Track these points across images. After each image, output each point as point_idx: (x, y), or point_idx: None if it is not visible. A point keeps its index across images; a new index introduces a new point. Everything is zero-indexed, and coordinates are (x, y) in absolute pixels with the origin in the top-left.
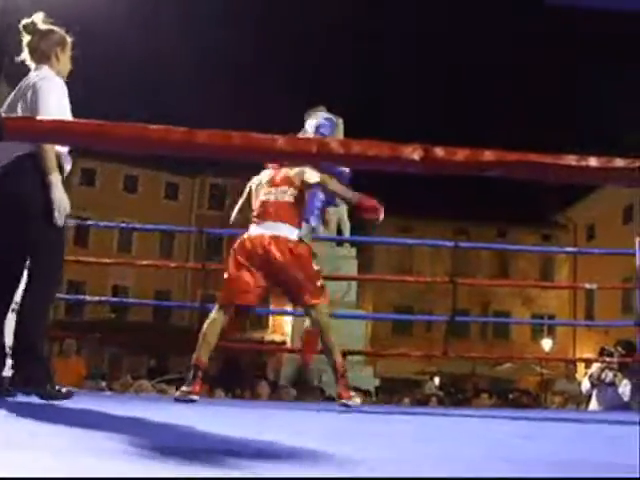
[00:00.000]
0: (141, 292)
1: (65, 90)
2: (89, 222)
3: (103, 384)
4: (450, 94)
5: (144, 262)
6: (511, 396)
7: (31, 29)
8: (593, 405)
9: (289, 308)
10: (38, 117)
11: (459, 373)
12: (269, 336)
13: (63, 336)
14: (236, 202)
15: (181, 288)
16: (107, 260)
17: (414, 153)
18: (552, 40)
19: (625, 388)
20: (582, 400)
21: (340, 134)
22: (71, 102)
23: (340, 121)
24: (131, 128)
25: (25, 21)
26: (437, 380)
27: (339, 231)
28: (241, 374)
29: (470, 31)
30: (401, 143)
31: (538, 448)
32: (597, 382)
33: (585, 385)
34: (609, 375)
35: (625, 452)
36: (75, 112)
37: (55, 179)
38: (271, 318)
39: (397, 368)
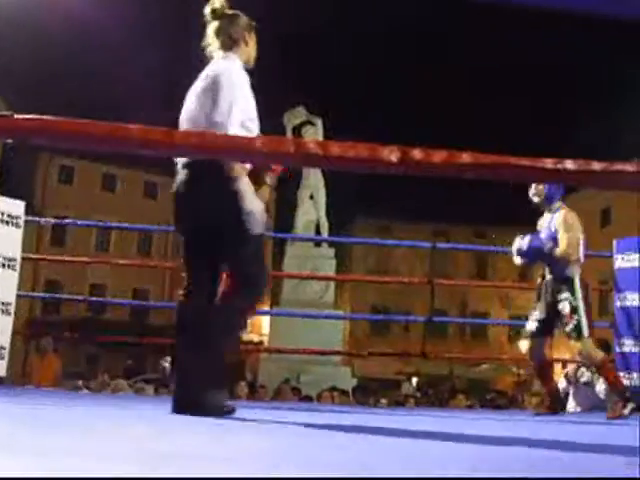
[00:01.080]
0: (119, 291)
1: (248, 80)
2: (67, 220)
3: (80, 383)
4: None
5: (122, 261)
6: (488, 397)
7: (220, 13)
8: (570, 404)
9: (267, 308)
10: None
11: (437, 374)
12: (247, 336)
13: (40, 334)
14: None
15: (159, 287)
16: (85, 259)
17: (392, 154)
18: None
19: (601, 387)
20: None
21: (319, 135)
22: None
23: (319, 121)
24: (110, 127)
25: (212, 5)
26: (415, 381)
27: (317, 231)
28: None
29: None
30: (379, 144)
31: (514, 448)
32: (573, 380)
33: (561, 384)
34: (585, 374)
35: (605, 452)
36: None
37: (244, 185)
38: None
39: (375, 368)
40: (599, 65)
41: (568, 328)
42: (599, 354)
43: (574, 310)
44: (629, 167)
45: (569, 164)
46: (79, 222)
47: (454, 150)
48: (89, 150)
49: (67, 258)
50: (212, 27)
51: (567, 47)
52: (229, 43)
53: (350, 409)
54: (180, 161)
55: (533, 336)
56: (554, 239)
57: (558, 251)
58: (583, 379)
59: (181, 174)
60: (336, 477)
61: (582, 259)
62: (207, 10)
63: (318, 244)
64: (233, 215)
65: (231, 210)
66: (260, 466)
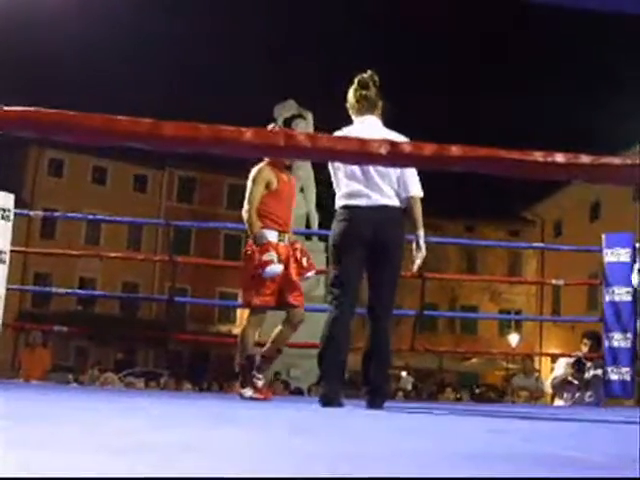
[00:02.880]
0: (108, 284)
1: None
2: (57, 213)
3: (70, 377)
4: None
5: (112, 254)
6: (477, 391)
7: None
8: (557, 402)
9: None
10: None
11: (426, 367)
12: (236, 329)
13: (29, 328)
14: (205, 195)
15: (149, 281)
16: (74, 252)
17: (381, 148)
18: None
19: (588, 399)
20: (540, 395)
21: (310, 127)
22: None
23: (310, 115)
24: (98, 119)
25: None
26: (404, 374)
27: (307, 225)
28: (209, 367)
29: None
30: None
31: (506, 443)
32: (559, 386)
33: (546, 387)
34: (573, 381)
35: (594, 448)
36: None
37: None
38: (239, 311)
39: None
40: None
41: None
42: None
43: None
44: (616, 160)
45: (559, 157)
46: (69, 215)
47: (444, 143)
48: (79, 143)
49: (57, 251)
50: (373, 93)
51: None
52: (373, 107)
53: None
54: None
55: None
56: None
57: None
58: (594, 372)
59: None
60: (339, 477)
61: None
62: (368, 77)
63: (308, 238)
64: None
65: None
66: (249, 460)
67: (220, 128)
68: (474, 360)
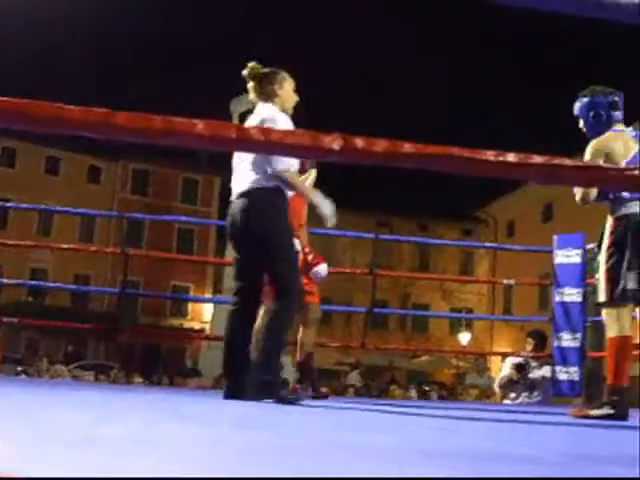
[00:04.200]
0: (60, 276)
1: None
2: (9, 204)
3: (19, 369)
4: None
5: (64, 245)
6: (428, 388)
7: (254, 74)
8: (506, 401)
9: (209, 296)
10: None
11: (377, 365)
12: (188, 323)
13: None
14: (160, 188)
15: (101, 273)
16: (26, 242)
17: (334, 142)
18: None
19: (535, 399)
20: (492, 394)
21: None
22: None
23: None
24: (48, 107)
25: (247, 69)
26: (355, 371)
27: None
28: (160, 361)
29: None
30: (321, 132)
31: (457, 440)
32: (506, 385)
33: (496, 390)
34: (520, 380)
35: (546, 444)
36: None
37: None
38: (190, 305)
39: (315, 359)
40: None
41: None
42: (622, 329)
43: (597, 266)
44: (569, 161)
45: (510, 157)
46: (21, 205)
47: (396, 140)
48: (29, 131)
49: (8, 242)
50: (250, 85)
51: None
52: (263, 97)
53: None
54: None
55: None
56: None
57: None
58: (541, 373)
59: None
60: (339, 478)
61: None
62: (244, 73)
63: None
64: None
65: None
66: (193, 454)
67: (173, 119)
68: (425, 358)
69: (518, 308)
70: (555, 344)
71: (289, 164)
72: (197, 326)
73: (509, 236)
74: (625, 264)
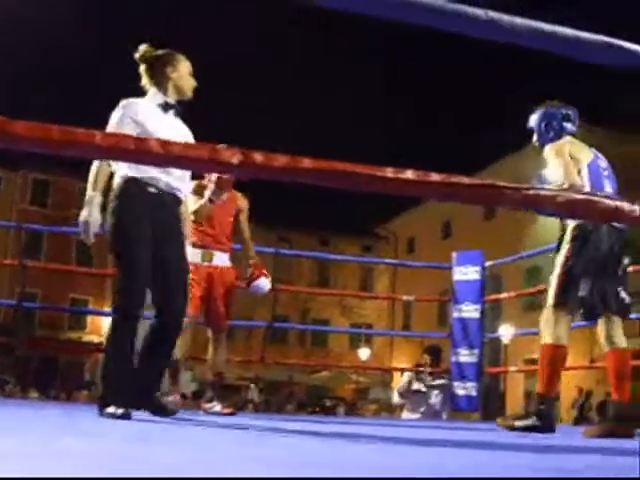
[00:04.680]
0: None
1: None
2: None
3: None
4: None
5: None
6: (328, 403)
7: (146, 57)
8: (405, 414)
9: (108, 309)
10: None
11: (277, 380)
12: (87, 336)
13: None
14: (59, 199)
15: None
16: None
17: (233, 157)
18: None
19: (435, 399)
20: (396, 409)
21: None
22: None
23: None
24: None
25: (139, 51)
26: (253, 386)
27: None
28: (58, 374)
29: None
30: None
31: (356, 452)
32: (406, 393)
33: (395, 398)
34: (418, 385)
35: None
36: None
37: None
38: (89, 318)
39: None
40: None
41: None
42: (559, 338)
43: (553, 267)
44: (466, 180)
45: (409, 174)
46: None
47: (296, 155)
48: None
49: None
50: (141, 69)
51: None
52: (155, 81)
53: (191, 413)
54: None
55: None
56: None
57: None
58: (415, 387)
59: None
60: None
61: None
62: (136, 56)
63: None
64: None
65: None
66: (84, 468)
67: (72, 130)
68: (324, 373)
69: (417, 324)
70: (453, 359)
71: None
72: (96, 339)
73: (409, 252)
74: (580, 271)
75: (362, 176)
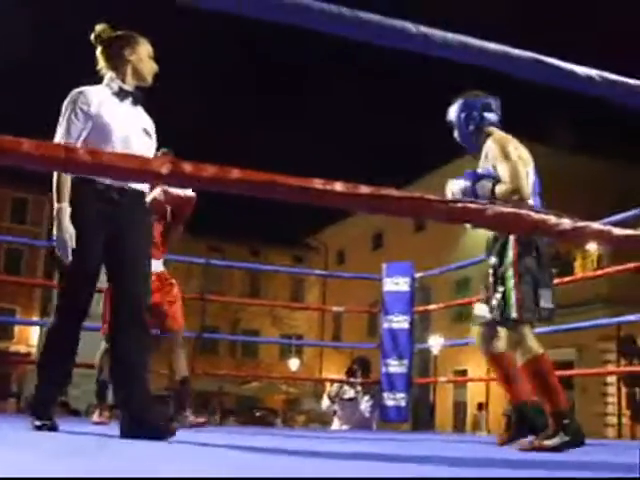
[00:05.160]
0: None
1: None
2: None
3: None
4: None
5: None
6: (258, 414)
7: (103, 38)
8: (335, 423)
9: (36, 318)
10: None
11: (207, 390)
12: (14, 347)
13: None
14: None
15: None
16: None
17: (162, 167)
18: None
19: (366, 405)
20: (328, 419)
21: None
22: None
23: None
24: None
25: (95, 31)
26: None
27: None
28: None
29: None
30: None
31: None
32: (336, 399)
33: (325, 403)
34: (349, 392)
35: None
36: None
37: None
38: (17, 328)
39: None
40: None
41: (492, 306)
42: (534, 349)
43: (500, 280)
44: (395, 192)
45: (338, 186)
46: None
47: (226, 165)
48: None
49: None
50: (98, 52)
51: None
52: (112, 65)
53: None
54: None
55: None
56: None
57: (499, 188)
58: (346, 396)
59: None
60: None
61: (533, 201)
62: (92, 37)
63: None
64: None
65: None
66: None
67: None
68: (255, 384)
69: (348, 335)
70: (383, 370)
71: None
72: (23, 349)
73: (339, 264)
74: (533, 280)
75: (291, 187)
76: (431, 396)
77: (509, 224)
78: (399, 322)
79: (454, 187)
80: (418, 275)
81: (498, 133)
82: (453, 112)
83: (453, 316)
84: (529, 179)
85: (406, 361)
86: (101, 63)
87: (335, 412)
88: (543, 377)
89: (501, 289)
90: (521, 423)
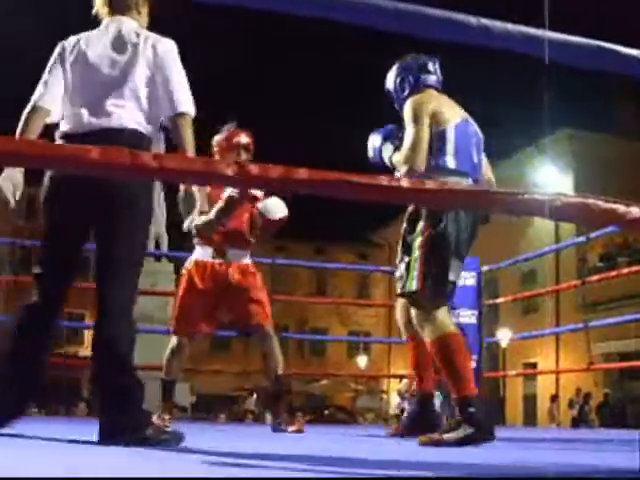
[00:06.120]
0: None
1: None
2: None
3: None
4: None
5: None
6: (327, 412)
7: None
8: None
9: None
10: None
11: None
12: (84, 351)
13: None
14: None
15: None
16: None
17: (228, 168)
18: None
19: (437, 400)
20: (389, 415)
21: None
22: None
23: (161, 135)
24: None
25: None
26: (255, 396)
27: (157, 245)
28: (56, 390)
29: None
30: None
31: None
32: (406, 396)
33: (395, 400)
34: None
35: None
36: None
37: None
38: (86, 333)
39: (214, 384)
40: None
41: (396, 278)
42: (442, 326)
43: (407, 249)
44: (459, 186)
45: (404, 182)
46: None
47: (291, 166)
48: None
49: None
50: None
51: None
52: (120, 6)
53: (188, 425)
54: None
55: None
56: None
57: (395, 155)
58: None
59: None
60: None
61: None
62: None
63: (158, 259)
64: None
65: None
66: None
67: (61, 145)
68: (323, 382)
69: None
70: None
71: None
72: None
73: None
74: (444, 252)
75: (357, 185)
76: (501, 390)
77: (577, 215)
78: (467, 317)
79: (370, 142)
80: (484, 269)
81: (419, 95)
82: (390, 79)
83: (521, 309)
84: (447, 141)
85: (475, 356)
86: (99, 2)
87: (403, 410)
88: (449, 358)
89: (406, 259)
90: (420, 415)
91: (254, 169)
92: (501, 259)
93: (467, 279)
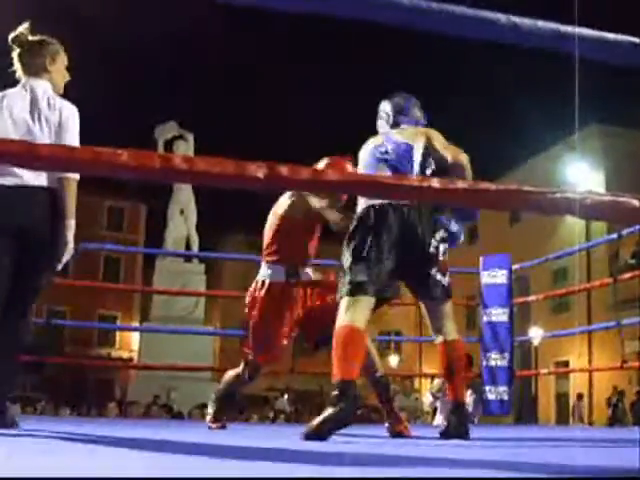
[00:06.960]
0: None
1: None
2: None
3: None
4: None
5: None
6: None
7: (23, 40)
8: (438, 418)
9: (137, 324)
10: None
11: (308, 390)
12: (116, 352)
13: None
14: (84, 216)
15: None
16: None
17: (258, 171)
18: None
19: (468, 399)
20: (420, 414)
21: (190, 149)
22: None
23: (191, 136)
24: None
25: (16, 33)
26: (286, 397)
27: (188, 247)
28: (88, 391)
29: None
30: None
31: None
32: (438, 395)
33: (428, 398)
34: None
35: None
36: None
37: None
38: (118, 334)
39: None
40: None
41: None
42: (345, 319)
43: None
44: (492, 186)
45: (435, 182)
46: None
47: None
48: None
49: None
50: (14, 54)
51: None
52: (34, 71)
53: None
54: None
55: None
56: None
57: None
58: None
59: None
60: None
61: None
62: (10, 37)
63: (188, 260)
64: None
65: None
66: None
67: (96, 150)
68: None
69: None
70: (484, 364)
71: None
72: (125, 355)
73: None
74: (358, 254)
75: (388, 185)
76: (533, 388)
77: (608, 213)
78: (498, 315)
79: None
80: (515, 267)
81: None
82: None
83: (552, 307)
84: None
85: (507, 354)
86: (17, 66)
87: (436, 409)
88: (338, 346)
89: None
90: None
91: (284, 171)
92: (532, 257)
93: (498, 277)
